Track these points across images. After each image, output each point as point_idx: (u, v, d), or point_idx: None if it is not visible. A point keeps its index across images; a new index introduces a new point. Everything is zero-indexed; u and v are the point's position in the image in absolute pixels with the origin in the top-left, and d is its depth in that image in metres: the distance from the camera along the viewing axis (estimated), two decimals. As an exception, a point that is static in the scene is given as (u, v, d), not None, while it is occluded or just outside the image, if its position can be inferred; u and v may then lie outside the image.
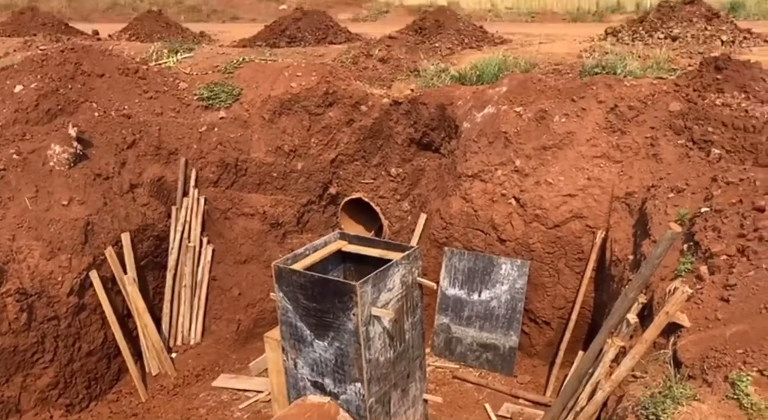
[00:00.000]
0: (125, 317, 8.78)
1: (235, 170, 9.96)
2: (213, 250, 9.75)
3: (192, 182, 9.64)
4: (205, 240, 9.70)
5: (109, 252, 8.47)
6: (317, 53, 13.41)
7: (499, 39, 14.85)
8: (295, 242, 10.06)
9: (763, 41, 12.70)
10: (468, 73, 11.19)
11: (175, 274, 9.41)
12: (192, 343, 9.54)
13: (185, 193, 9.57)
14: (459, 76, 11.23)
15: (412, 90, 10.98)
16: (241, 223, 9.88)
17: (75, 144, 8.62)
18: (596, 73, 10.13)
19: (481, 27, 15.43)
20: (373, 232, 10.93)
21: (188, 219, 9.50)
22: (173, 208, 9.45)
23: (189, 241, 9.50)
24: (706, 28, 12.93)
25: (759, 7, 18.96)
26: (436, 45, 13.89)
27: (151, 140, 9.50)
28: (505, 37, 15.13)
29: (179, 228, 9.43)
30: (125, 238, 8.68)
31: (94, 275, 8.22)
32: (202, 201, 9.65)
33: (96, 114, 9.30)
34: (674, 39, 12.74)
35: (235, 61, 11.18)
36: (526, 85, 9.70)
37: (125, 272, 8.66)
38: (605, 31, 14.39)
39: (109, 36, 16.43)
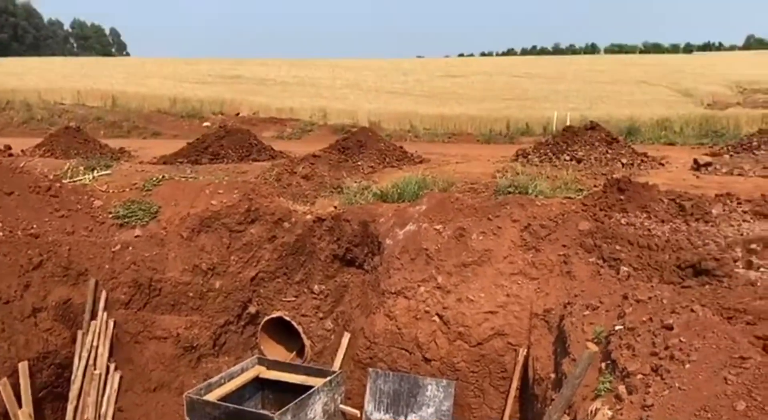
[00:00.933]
0: (15, 458, 7.88)
1: (148, 291, 9.54)
2: (120, 378, 9.08)
3: (101, 304, 9.12)
4: (112, 366, 9.04)
5: (3, 384, 7.73)
6: (240, 170, 13.49)
7: (418, 158, 15.49)
8: (211, 367, 9.54)
9: (659, 164, 13.82)
10: (389, 191, 11.49)
11: (76, 407, 8.64)
12: (91, 484, 8.62)
13: (93, 316, 9.02)
14: (381, 194, 11.50)
15: (335, 207, 11.12)
16: (153, 347, 9.33)
17: (-27, 266, 8.08)
18: (510, 193, 10.63)
19: (401, 147, 16.11)
20: (294, 352, 10.55)
21: (95, 344, 8.89)
22: (79, 333, 8.84)
23: (95, 369, 8.83)
24: (607, 152, 13.99)
25: (652, 132, 20.84)
26: (359, 163, 14.31)
27: (60, 260, 9.03)
28: (424, 156, 15.81)
29: (84, 354, 8.78)
30: (23, 368, 7.98)
31: (-19, 411, 7.44)
32: (111, 324, 9.09)
33: (0, 233, 8.82)
34: (579, 161, 13.67)
35: (154, 179, 11.05)
36: (444, 204, 10.03)
37: (20, 406, 7.88)
38: (516, 152, 15.30)
39: (23, 151, 16.00)
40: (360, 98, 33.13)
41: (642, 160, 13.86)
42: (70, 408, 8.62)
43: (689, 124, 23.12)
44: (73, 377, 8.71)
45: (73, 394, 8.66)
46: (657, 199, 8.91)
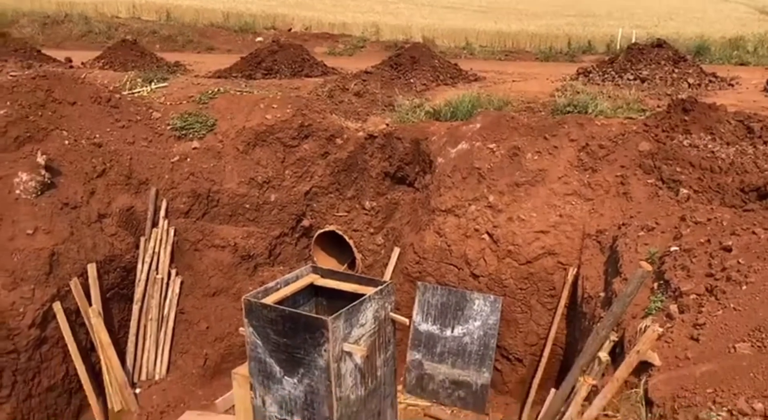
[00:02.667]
0: (88, 351, 8.50)
1: (206, 201, 9.85)
2: (181, 283, 9.56)
3: (162, 213, 9.49)
4: (173, 272, 9.51)
5: (74, 283, 8.24)
6: (293, 86, 13.44)
7: (473, 76, 15.08)
8: (266, 275, 9.93)
9: (728, 85, 13.11)
10: (442, 110, 11.30)
11: (141, 307, 9.18)
12: (157, 378, 9.26)
13: (155, 224, 9.41)
14: (433, 112, 11.33)
15: (387, 124, 11.06)
16: (212, 255, 9.72)
17: (43, 172, 8.45)
18: (568, 112, 10.31)
19: (455, 64, 15.67)
20: (346, 265, 10.85)
21: (157, 250, 9.32)
22: (142, 239, 9.27)
23: (157, 273, 9.30)
24: (673, 71, 13.31)
25: (723, 52, 19.63)
26: (411, 81, 14.05)
27: (122, 170, 9.36)
28: (479, 74, 15.37)
29: (147, 259, 9.23)
30: (91, 269, 8.46)
31: (57, 307, 7.97)
32: (171, 232, 9.48)
33: (66, 142, 9.15)
34: (643, 80, 13.07)
35: (209, 92, 11.14)
36: (499, 123, 9.84)
37: (90, 304, 8.42)
38: (577, 71, 14.71)
39: (83, 64, 16.26)
40: (414, 13, 32.11)
41: (710, 81, 13.15)
42: (135, 308, 9.16)
43: (764, 43, 21.61)
44: (137, 280, 9.20)
45: (137, 296, 9.18)
46: (723, 121, 8.51)
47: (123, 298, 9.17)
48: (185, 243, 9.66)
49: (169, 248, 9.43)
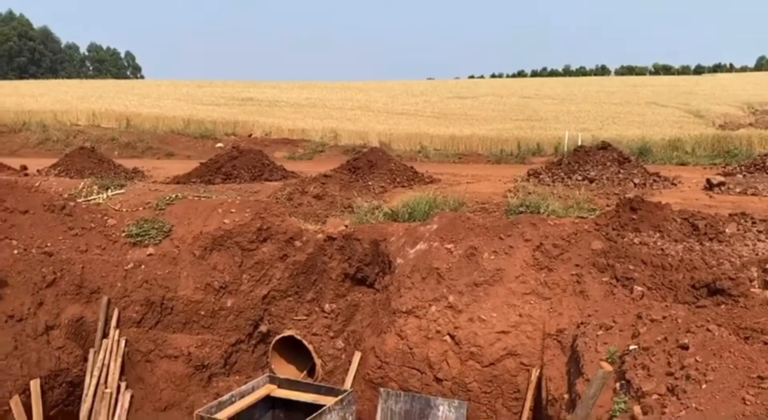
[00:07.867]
0: (25, 477, 7.86)
1: (160, 309, 9.56)
2: (131, 397, 9.07)
3: (113, 322, 9.16)
4: (123, 385, 9.04)
5: (15, 402, 7.74)
6: (252, 190, 13.57)
7: (428, 178, 15.53)
8: (222, 385, 9.51)
9: (671, 184, 13.77)
10: (400, 211, 11.50)
11: (87, 425, 8.63)
12: None
13: (105, 335, 9.04)
14: (392, 214, 11.51)
15: (346, 226, 11.14)
16: (164, 366, 9.32)
17: (-12, 283, 8.15)
18: (521, 212, 10.60)
19: (411, 167, 16.15)
20: (305, 371, 10.50)
21: (106, 363, 8.90)
22: (91, 351, 8.87)
23: (106, 387, 8.83)
24: (619, 172, 13.96)
25: (663, 153, 20.78)
26: (369, 183, 14.37)
27: (73, 279, 9.09)
28: (435, 176, 15.84)
29: (96, 373, 8.79)
30: (34, 386, 7.99)
31: (-7, 429, 7.44)
32: (122, 343, 9.12)
33: (15, 252, 8.90)
34: (591, 181, 13.64)
35: (167, 198, 11.13)
36: (455, 223, 10.01)
37: (31, 424, 7.88)
38: (527, 172, 15.30)
39: (38, 171, 16.20)
40: (371, 119, 33.33)
41: (654, 180, 13.81)
42: (80, 427, 8.60)
43: (701, 144, 23.02)
44: (84, 396, 8.71)
45: (83, 413, 8.65)
46: (670, 219, 8.85)
47: (68, 415, 8.64)
48: (137, 354, 9.27)
49: (119, 360, 9.03)
